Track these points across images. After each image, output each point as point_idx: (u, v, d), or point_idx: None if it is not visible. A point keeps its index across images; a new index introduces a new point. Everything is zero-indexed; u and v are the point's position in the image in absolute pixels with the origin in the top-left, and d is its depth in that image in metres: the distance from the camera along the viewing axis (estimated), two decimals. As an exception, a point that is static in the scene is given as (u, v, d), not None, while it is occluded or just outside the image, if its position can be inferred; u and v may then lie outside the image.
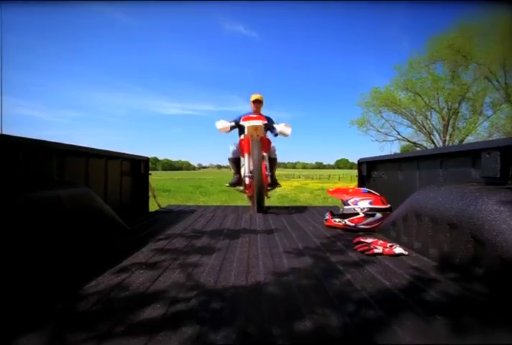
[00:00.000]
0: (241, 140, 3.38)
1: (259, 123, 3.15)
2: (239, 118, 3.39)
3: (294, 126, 3.68)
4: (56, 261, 1.34)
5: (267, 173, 3.30)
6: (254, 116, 3.35)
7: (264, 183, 3.14)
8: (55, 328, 0.82)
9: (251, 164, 3.21)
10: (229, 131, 3.49)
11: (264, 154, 3.31)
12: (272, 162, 3.61)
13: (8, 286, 1.04)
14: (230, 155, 3.63)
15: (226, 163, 3.80)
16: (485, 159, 1.48)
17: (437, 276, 1.24)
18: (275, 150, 3.64)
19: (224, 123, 3.40)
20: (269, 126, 3.42)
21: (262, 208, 3.06)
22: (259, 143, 3.10)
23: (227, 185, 3.78)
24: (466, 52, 17.57)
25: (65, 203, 1.60)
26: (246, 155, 3.29)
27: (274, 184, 3.68)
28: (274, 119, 3.65)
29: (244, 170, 3.36)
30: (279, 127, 3.37)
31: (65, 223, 1.54)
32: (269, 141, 3.39)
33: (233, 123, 3.43)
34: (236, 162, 3.68)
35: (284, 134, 3.41)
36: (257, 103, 3.57)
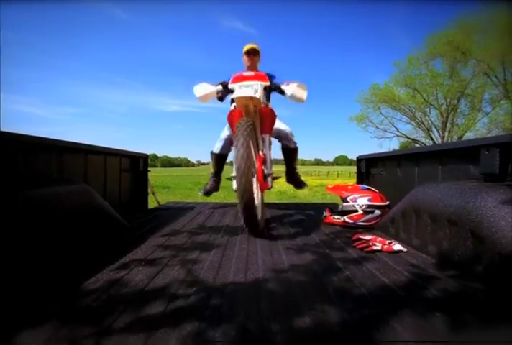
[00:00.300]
0: (231, 112, 2.08)
1: (255, 91, 1.89)
2: (229, 80, 2.11)
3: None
4: (55, 258, 1.34)
5: (265, 172, 2.09)
6: (250, 73, 2.09)
7: (259, 190, 2.02)
8: (54, 324, 0.81)
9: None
10: (219, 99, 2.38)
11: (266, 136, 2.15)
12: (290, 153, 2.63)
13: (7, 283, 1.04)
14: (215, 148, 2.59)
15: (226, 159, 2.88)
16: (484, 155, 1.48)
17: (436, 273, 1.24)
18: (291, 137, 2.59)
19: (205, 88, 2.16)
20: (274, 87, 2.19)
21: (255, 229, 1.84)
22: (252, 123, 1.86)
23: (200, 193, 2.88)
24: (465, 49, 17.54)
25: (64, 199, 1.59)
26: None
27: (298, 184, 2.84)
28: (279, 79, 2.33)
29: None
30: (290, 89, 2.11)
31: (64, 220, 1.53)
32: (272, 115, 2.14)
33: (220, 87, 2.18)
34: (219, 160, 2.65)
35: (297, 100, 2.13)
36: (252, 55, 2.47)
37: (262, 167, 2.03)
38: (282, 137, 2.57)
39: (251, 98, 1.89)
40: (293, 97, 2.13)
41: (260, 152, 2.05)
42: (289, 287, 1.09)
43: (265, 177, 2.09)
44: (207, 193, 2.85)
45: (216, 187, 2.84)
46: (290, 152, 2.65)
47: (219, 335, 0.77)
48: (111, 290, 1.05)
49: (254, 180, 1.84)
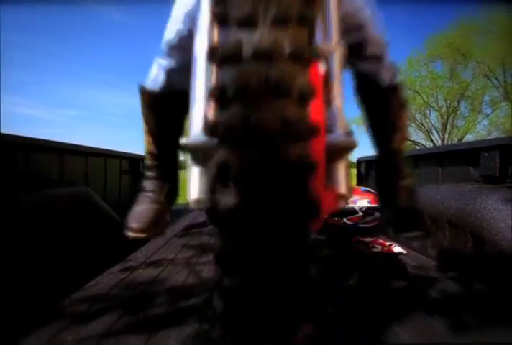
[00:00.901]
0: None
1: None
2: None
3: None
4: (55, 261, 1.34)
5: (331, 138, 0.41)
6: None
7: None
8: (55, 326, 0.82)
9: None
10: None
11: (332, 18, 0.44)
12: (382, 103, 0.85)
13: (7, 285, 1.04)
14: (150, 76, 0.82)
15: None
16: (484, 157, 1.48)
17: (436, 275, 1.24)
18: (389, 56, 0.80)
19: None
20: None
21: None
22: None
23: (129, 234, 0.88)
24: (465, 51, 17.57)
25: (64, 202, 1.59)
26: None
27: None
28: None
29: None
30: None
31: (65, 223, 1.53)
32: None
33: None
34: (161, 110, 0.86)
35: None
36: None
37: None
38: (367, 49, 0.75)
39: None
40: None
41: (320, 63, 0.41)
42: None
43: (332, 155, 0.44)
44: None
45: (158, 217, 0.92)
46: (382, 101, 0.85)
47: (219, 337, 0.77)
48: (112, 292, 1.05)
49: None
